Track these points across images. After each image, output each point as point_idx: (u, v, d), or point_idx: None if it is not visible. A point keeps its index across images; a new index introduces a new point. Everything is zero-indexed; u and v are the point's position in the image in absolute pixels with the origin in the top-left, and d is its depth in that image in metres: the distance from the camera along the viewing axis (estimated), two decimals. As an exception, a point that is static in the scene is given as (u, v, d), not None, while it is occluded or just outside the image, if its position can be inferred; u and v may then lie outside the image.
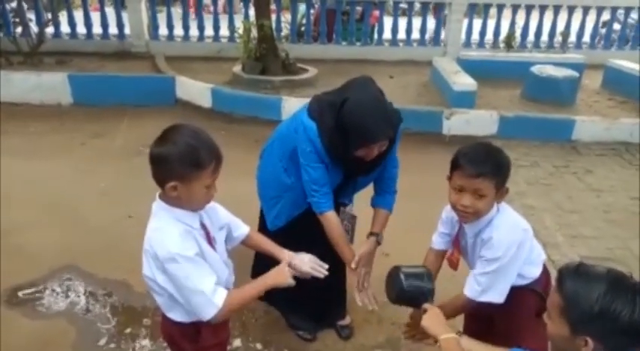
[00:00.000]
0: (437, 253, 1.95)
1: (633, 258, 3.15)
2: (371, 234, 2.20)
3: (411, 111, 5.20)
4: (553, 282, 1.27)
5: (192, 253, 1.41)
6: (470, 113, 5.11)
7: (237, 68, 6.21)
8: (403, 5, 8.84)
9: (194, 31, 7.41)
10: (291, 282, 1.58)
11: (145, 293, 2.72)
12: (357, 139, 1.86)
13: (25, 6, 6.88)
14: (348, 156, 1.94)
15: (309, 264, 1.67)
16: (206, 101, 5.57)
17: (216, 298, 1.43)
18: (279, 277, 1.58)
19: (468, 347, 1.53)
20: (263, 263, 2.10)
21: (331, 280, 2.28)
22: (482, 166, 1.59)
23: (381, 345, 2.47)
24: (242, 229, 1.75)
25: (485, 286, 1.68)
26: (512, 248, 1.66)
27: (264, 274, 1.62)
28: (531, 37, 7.81)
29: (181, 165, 1.39)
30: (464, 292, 1.74)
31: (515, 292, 1.71)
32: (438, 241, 1.96)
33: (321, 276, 1.68)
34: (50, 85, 5.57)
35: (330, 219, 2.04)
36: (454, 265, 1.86)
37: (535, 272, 1.79)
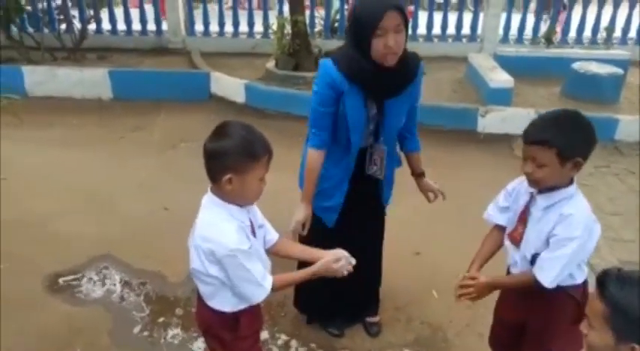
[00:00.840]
0: (499, 229, 1.85)
1: (677, 263, 3.02)
2: (419, 175, 2.31)
3: (446, 108, 5.13)
4: (591, 289, 1.23)
5: (247, 247, 1.50)
6: (506, 111, 4.98)
7: (270, 64, 6.25)
8: (439, 0, 8.68)
9: (229, 28, 7.50)
10: (343, 272, 1.64)
11: (178, 283, 2.79)
12: (368, 21, 1.78)
13: (69, 3, 7.12)
14: (367, 67, 1.87)
15: (343, 263, 1.66)
16: (240, 97, 5.63)
17: (265, 282, 1.55)
18: (329, 269, 1.63)
19: None
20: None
21: (366, 276, 2.31)
22: (540, 134, 1.53)
23: (409, 344, 2.45)
24: (273, 234, 1.77)
25: (560, 271, 1.59)
26: (587, 231, 1.59)
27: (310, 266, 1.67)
28: (573, 32, 7.54)
29: (238, 157, 1.46)
30: (537, 277, 1.61)
31: (554, 295, 1.64)
32: (497, 216, 1.84)
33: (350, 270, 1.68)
34: (92, 81, 5.75)
35: (312, 154, 2.06)
36: (517, 242, 1.74)
37: (581, 276, 1.70)
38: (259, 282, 1.53)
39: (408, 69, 1.96)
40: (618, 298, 1.12)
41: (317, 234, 2.18)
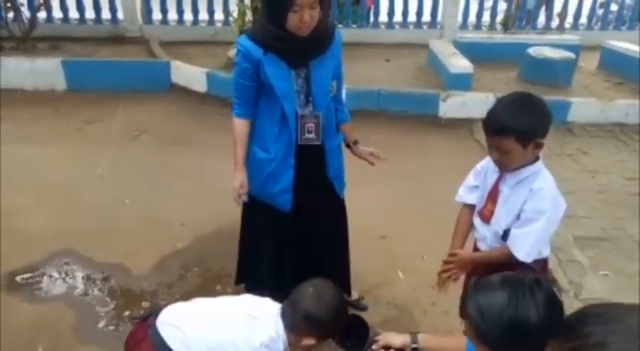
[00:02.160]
0: (470, 208, 1.92)
1: (627, 238, 3.19)
2: (354, 143, 2.34)
3: (407, 94, 5.19)
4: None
5: None
6: (466, 95, 5.10)
7: (232, 52, 6.14)
8: (399, -13, 8.72)
9: (188, 15, 7.32)
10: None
11: (142, 276, 2.75)
12: None
13: (17, -10, 6.78)
14: (282, 35, 1.90)
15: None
16: (201, 86, 5.53)
17: None
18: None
19: (427, 343, 1.59)
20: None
21: (332, 261, 2.34)
22: (498, 124, 1.59)
23: (377, 325, 2.49)
24: None
25: (533, 244, 1.65)
26: (555, 204, 1.66)
27: None
28: (528, 18, 7.75)
29: (327, 333, 1.63)
30: (512, 252, 1.67)
31: (516, 268, 1.66)
32: (466, 196, 1.92)
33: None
34: (44, 71, 5.51)
35: (237, 122, 2.12)
36: (486, 218, 1.81)
37: (546, 251, 1.78)
38: None
39: (323, 34, 2.00)
40: (478, 315, 1.08)
41: (276, 225, 2.20)
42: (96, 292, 2.65)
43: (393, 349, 1.62)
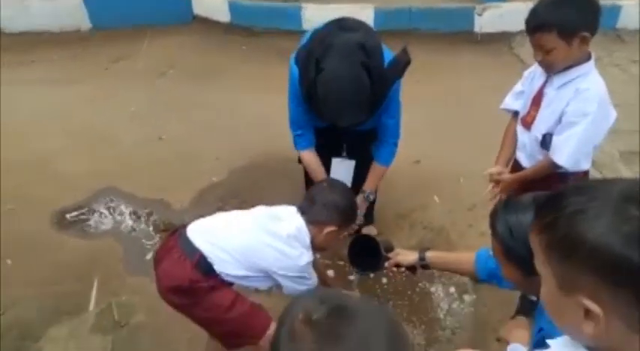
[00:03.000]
0: (516, 121, 1.88)
1: (677, 150, 3.02)
2: (363, 192, 2.18)
3: (440, 10, 4.87)
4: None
5: None
6: (503, 7, 4.73)
7: (253, -23, 5.87)
8: None
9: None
10: None
11: (182, 210, 2.84)
12: (325, 115, 1.79)
13: None
14: (319, 124, 1.94)
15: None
16: (224, 16, 5.35)
17: None
18: None
19: (435, 259, 1.61)
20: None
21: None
22: (536, 19, 1.53)
23: (413, 247, 2.51)
24: None
25: (575, 149, 1.59)
26: (602, 109, 1.58)
27: None
28: None
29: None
30: (553, 158, 1.63)
31: (557, 182, 1.63)
32: (512, 103, 1.88)
33: None
34: (66, 11, 5.44)
35: (305, 156, 2.14)
36: (528, 125, 1.76)
37: (586, 164, 1.70)
38: None
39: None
40: (507, 232, 1.07)
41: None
42: (141, 226, 2.76)
43: (404, 267, 1.68)
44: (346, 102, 1.72)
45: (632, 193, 0.65)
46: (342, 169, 2.19)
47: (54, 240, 2.66)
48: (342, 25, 1.81)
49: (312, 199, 1.68)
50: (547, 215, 0.72)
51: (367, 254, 1.74)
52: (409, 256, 1.66)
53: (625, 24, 4.61)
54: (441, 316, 2.16)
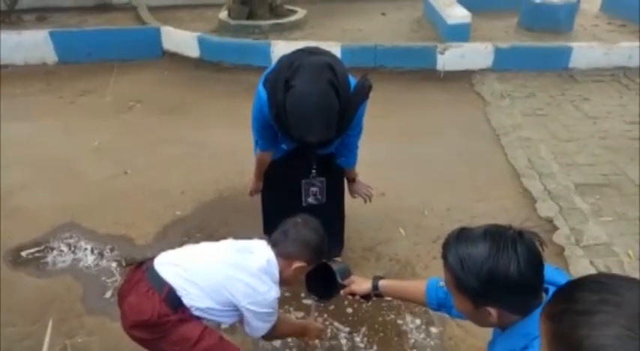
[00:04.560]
0: None
1: (629, 182, 3.17)
2: (353, 179, 2.43)
3: (404, 48, 5.06)
4: None
5: None
6: (464, 46, 4.96)
7: (223, 14, 5.99)
8: None
9: (175, -22, 7.09)
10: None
11: (146, 246, 2.77)
12: (294, 133, 1.85)
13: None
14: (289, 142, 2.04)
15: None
16: (194, 51, 5.42)
17: None
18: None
19: (388, 288, 1.65)
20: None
21: (327, 218, 2.35)
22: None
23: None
24: None
25: None
26: None
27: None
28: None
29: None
30: None
31: None
32: None
33: None
34: (32, 44, 5.40)
35: (262, 155, 2.24)
36: None
37: None
38: None
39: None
40: (459, 265, 1.07)
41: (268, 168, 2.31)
42: (101, 263, 2.67)
43: (359, 295, 1.71)
44: (315, 117, 1.77)
45: None
46: (312, 189, 2.29)
47: (7, 279, 2.54)
48: (310, 50, 1.94)
49: (285, 233, 1.68)
50: (557, 304, 0.71)
51: (324, 281, 1.75)
52: (363, 285, 1.69)
53: (576, 64, 4.89)
54: (407, 349, 2.15)
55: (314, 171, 2.22)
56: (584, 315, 0.65)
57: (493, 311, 1.08)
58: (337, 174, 2.38)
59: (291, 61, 1.86)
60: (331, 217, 2.44)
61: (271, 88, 1.89)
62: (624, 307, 0.64)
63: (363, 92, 1.93)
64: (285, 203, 2.29)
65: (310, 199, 2.29)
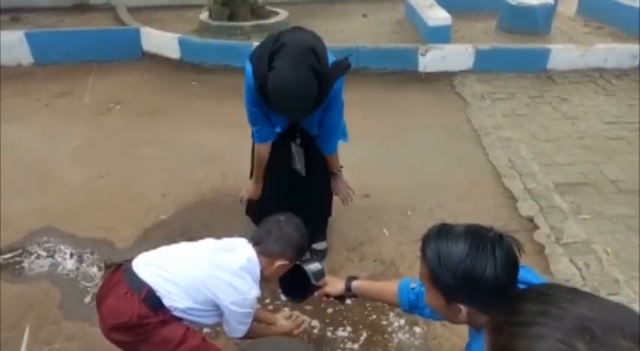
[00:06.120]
0: None
1: (606, 181, 3.23)
2: (335, 173, 2.46)
3: (386, 50, 5.08)
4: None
5: None
6: (445, 48, 5.01)
7: (203, 15, 5.95)
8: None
9: (155, -22, 7.01)
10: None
11: (126, 249, 2.72)
12: (274, 108, 1.98)
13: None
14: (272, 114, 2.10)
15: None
16: (174, 52, 5.36)
17: None
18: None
19: (361, 289, 1.65)
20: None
21: (311, 201, 2.46)
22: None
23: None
24: None
25: None
26: None
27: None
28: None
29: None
30: None
31: None
32: None
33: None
34: (7, 45, 5.27)
35: (260, 149, 2.27)
36: None
37: None
38: None
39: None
40: (436, 261, 1.07)
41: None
42: (80, 267, 2.62)
43: (332, 296, 1.73)
44: (294, 100, 1.87)
45: (589, 325, 0.60)
46: (298, 153, 2.34)
47: (-17, 285, 2.47)
48: (294, 28, 2.05)
49: (267, 231, 1.68)
50: (499, 315, 0.70)
51: (298, 282, 1.74)
52: (337, 286, 1.69)
53: (554, 65, 4.97)
54: (391, 349, 2.15)
55: (299, 139, 2.29)
56: (523, 326, 0.64)
57: (464, 309, 1.09)
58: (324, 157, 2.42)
59: (276, 36, 1.97)
60: (318, 195, 2.52)
61: (257, 60, 1.97)
62: (564, 320, 0.62)
63: (340, 68, 2.02)
64: (276, 191, 2.40)
65: (298, 167, 2.33)
